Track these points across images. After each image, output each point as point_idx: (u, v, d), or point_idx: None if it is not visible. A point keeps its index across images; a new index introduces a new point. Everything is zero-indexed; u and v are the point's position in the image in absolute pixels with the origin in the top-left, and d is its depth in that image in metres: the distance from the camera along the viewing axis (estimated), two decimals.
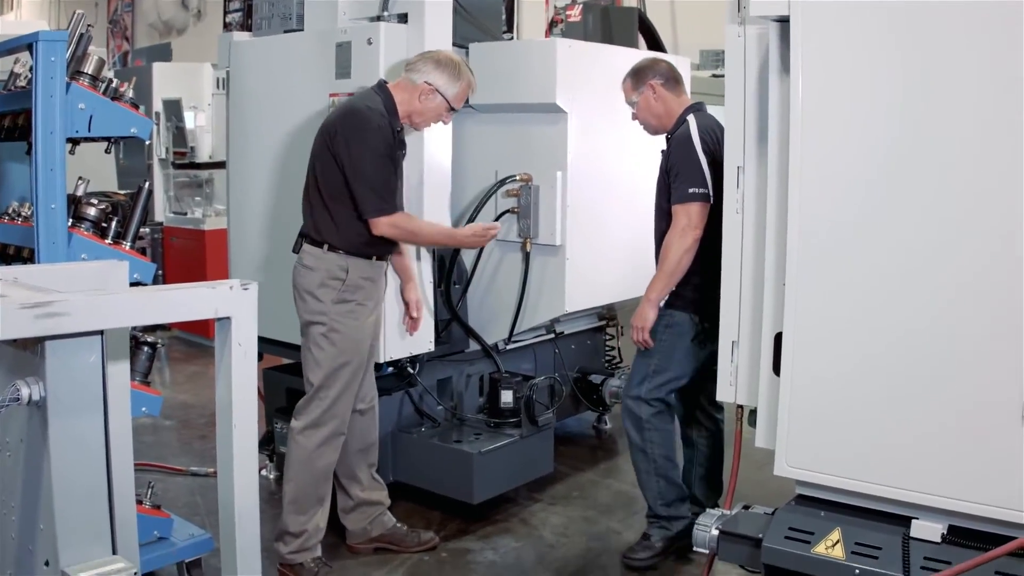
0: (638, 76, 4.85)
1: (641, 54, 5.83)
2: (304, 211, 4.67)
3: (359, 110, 4.50)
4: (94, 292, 2.48)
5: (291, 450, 4.68)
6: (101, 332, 2.32)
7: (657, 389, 4.79)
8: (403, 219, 4.63)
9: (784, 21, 3.40)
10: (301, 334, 4.69)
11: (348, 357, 4.60)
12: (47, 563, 2.38)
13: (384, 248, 4.70)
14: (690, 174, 4.58)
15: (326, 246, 4.56)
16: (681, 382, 4.83)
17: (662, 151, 4.83)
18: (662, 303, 4.77)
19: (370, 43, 4.85)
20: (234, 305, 2.44)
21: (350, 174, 4.47)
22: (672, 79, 4.85)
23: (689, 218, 4.58)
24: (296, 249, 4.69)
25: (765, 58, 3.58)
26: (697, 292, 4.66)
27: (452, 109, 4.71)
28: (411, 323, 5.14)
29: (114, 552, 2.45)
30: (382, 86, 4.65)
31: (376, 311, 4.74)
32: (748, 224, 3.73)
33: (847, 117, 3.30)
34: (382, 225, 4.53)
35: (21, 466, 2.43)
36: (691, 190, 4.57)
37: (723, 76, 3.92)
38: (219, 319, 2.46)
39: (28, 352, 2.29)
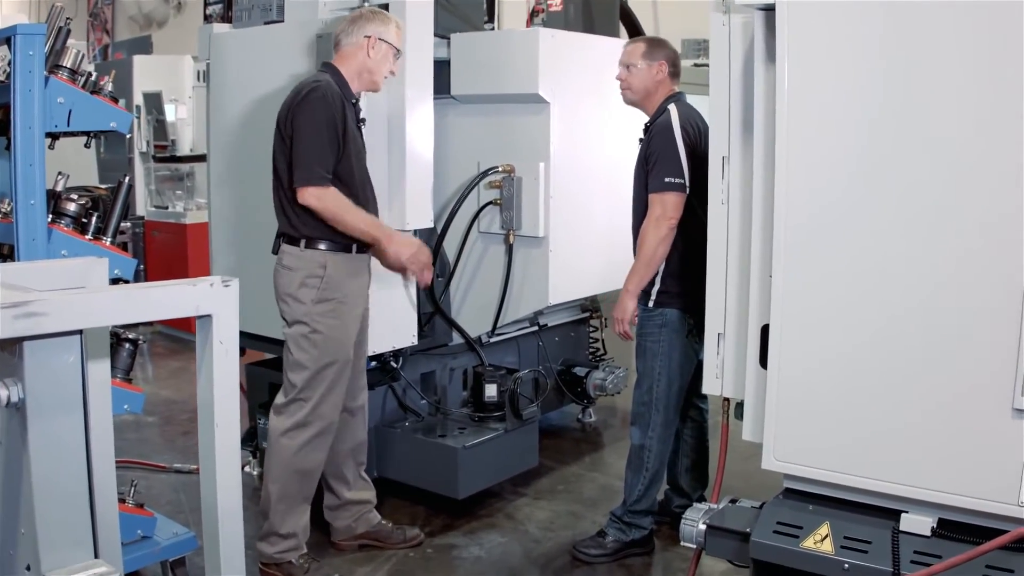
0: (655, 48, 4.80)
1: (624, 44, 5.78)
2: (276, 211, 4.58)
3: (302, 86, 4.45)
4: (72, 291, 2.43)
5: (273, 451, 4.60)
6: (80, 331, 2.28)
7: (667, 396, 4.77)
8: (331, 195, 4.39)
9: (770, 10, 3.37)
10: (283, 335, 4.62)
11: (332, 357, 4.54)
12: (28, 567, 2.34)
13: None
14: (668, 163, 4.56)
15: (303, 242, 4.47)
16: (685, 386, 4.82)
17: (640, 139, 4.81)
18: (651, 303, 4.75)
19: None
20: (215, 302, 2.40)
21: (293, 145, 4.38)
22: (676, 73, 4.83)
23: (664, 207, 4.56)
24: (275, 250, 4.62)
25: (750, 47, 3.55)
26: (685, 288, 4.64)
27: (398, 52, 4.63)
28: None
29: (96, 554, 2.42)
30: (327, 64, 4.59)
31: (359, 308, 4.67)
32: (734, 215, 3.70)
33: (833, 107, 3.27)
34: (307, 196, 4.35)
35: (0, 469, 2.39)
36: (667, 179, 4.56)
37: (705, 65, 3.90)
38: (200, 317, 2.42)
39: (6, 353, 2.24)
